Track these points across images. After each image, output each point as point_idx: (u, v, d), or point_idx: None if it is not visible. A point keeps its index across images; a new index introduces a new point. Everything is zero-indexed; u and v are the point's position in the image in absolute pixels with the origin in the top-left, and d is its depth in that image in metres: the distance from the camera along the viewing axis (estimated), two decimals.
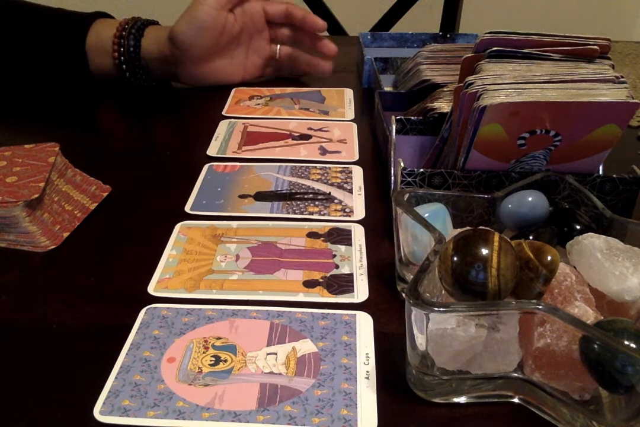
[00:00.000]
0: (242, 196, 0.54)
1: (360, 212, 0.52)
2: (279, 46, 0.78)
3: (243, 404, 0.35)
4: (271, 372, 0.37)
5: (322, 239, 0.49)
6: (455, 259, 0.33)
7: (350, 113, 0.71)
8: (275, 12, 0.73)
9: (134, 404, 0.35)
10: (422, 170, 0.47)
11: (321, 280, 0.44)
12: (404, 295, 0.41)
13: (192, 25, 0.68)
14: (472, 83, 0.45)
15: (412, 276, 0.35)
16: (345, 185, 0.56)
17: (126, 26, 0.70)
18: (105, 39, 0.70)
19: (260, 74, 0.79)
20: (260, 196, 0.54)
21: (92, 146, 0.64)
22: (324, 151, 0.62)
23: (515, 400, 0.35)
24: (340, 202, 0.54)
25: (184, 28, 0.68)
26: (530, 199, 0.41)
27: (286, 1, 0.75)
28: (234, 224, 0.51)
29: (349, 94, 0.76)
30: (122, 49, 0.70)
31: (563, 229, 0.40)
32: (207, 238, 0.49)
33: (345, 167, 0.59)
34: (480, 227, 0.40)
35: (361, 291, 0.43)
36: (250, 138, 0.65)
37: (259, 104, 0.73)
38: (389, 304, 0.42)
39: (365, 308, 0.42)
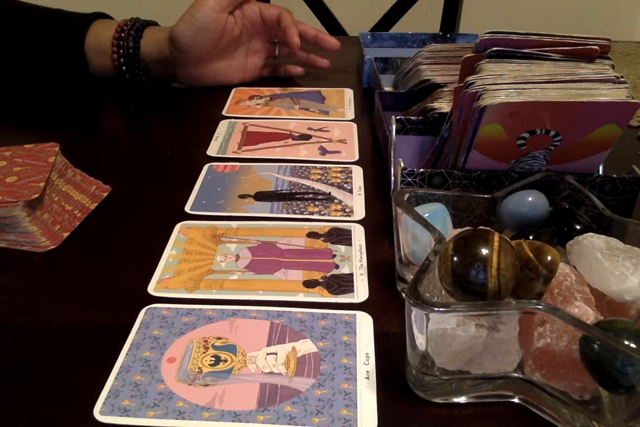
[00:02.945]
0: (242, 196, 0.54)
1: (360, 212, 0.52)
2: (277, 48, 0.79)
3: (243, 404, 0.35)
4: (271, 372, 0.37)
5: (322, 239, 0.49)
6: (455, 259, 0.33)
7: (350, 113, 0.71)
8: (270, 17, 0.74)
9: (134, 404, 0.35)
10: (422, 170, 0.47)
11: (321, 280, 0.44)
12: (404, 295, 0.41)
13: (192, 27, 0.68)
14: (472, 83, 0.45)
15: (412, 276, 0.35)
16: (345, 185, 0.56)
17: (125, 27, 0.70)
18: (105, 40, 0.70)
19: (259, 75, 0.79)
20: (260, 196, 0.54)
21: (92, 146, 0.64)
22: (324, 151, 0.62)
23: (515, 400, 0.35)
24: (340, 202, 0.54)
25: (184, 29, 0.68)
26: (530, 199, 0.41)
27: (281, 7, 0.75)
28: (234, 224, 0.51)
29: (349, 94, 0.76)
30: (121, 51, 0.70)
31: (563, 229, 0.40)
32: (207, 238, 0.49)
33: (345, 167, 0.59)
34: (480, 227, 0.40)
35: (361, 291, 0.43)
36: (250, 138, 0.65)
37: (259, 104, 0.73)
38: (389, 304, 0.42)
39: (365, 308, 0.42)
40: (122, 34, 0.70)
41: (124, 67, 0.71)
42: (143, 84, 0.73)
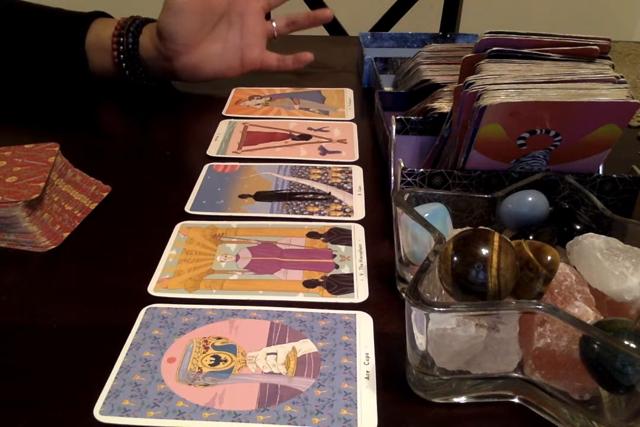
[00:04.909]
0: (242, 196, 0.54)
1: (360, 212, 0.52)
2: (274, 24, 0.76)
3: (243, 404, 0.35)
4: (271, 372, 0.37)
5: (322, 239, 0.49)
6: (455, 259, 0.33)
7: (350, 113, 0.71)
8: None
9: (134, 404, 0.35)
10: (422, 170, 0.47)
11: (321, 280, 0.44)
12: (404, 295, 0.41)
13: (170, 13, 0.67)
14: (472, 83, 0.45)
15: (412, 276, 0.35)
16: (345, 185, 0.56)
17: (125, 25, 0.70)
18: (105, 38, 0.70)
19: (260, 58, 0.75)
20: (260, 196, 0.54)
21: (92, 146, 0.64)
22: (324, 151, 0.62)
23: (515, 400, 0.35)
24: (340, 202, 0.54)
25: (165, 18, 0.68)
26: (530, 199, 0.41)
27: None
28: (234, 224, 0.51)
29: (349, 94, 0.76)
30: (121, 48, 0.70)
31: (563, 229, 0.40)
32: (207, 238, 0.49)
33: (345, 167, 0.59)
34: (480, 227, 0.40)
35: (361, 291, 0.43)
36: (250, 138, 0.65)
37: (259, 104, 0.73)
38: (389, 304, 0.42)
39: (365, 308, 0.42)
40: (122, 31, 0.70)
41: (123, 64, 0.71)
42: (143, 81, 0.73)
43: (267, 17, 0.77)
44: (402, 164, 0.48)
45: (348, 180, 0.57)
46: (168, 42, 0.69)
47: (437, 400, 0.35)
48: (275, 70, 0.76)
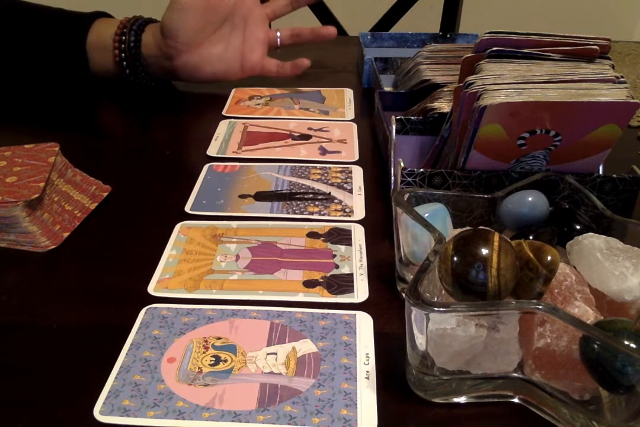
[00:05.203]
0: (242, 196, 0.54)
1: (360, 212, 0.52)
2: (278, 33, 0.77)
3: (243, 404, 0.35)
4: (271, 372, 0.37)
5: (322, 239, 0.49)
6: (455, 259, 0.33)
7: (350, 113, 0.71)
8: None
9: (134, 404, 0.35)
10: (422, 170, 0.47)
11: (321, 280, 0.44)
12: (404, 295, 0.41)
13: (174, 10, 0.68)
14: (472, 83, 0.45)
15: (412, 276, 0.35)
16: (345, 185, 0.56)
17: (127, 24, 0.71)
18: (106, 37, 0.70)
19: (260, 63, 0.75)
20: (260, 196, 0.54)
21: (92, 146, 0.64)
22: (324, 151, 0.62)
23: (515, 400, 0.35)
24: (340, 202, 0.54)
25: (169, 15, 0.68)
26: (530, 199, 0.41)
27: None
28: (234, 224, 0.51)
29: (349, 94, 0.76)
30: (123, 46, 0.70)
31: (563, 229, 0.40)
32: (207, 238, 0.49)
33: (345, 167, 0.59)
34: (480, 227, 0.40)
35: (361, 291, 0.43)
36: (250, 138, 0.65)
37: (259, 104, 0.73)
38: (389, 304, 0.42)
39: (365, 308, 0.42)
40: (125, 30, 0.70)
41: (124, 62, 0.71)
42: (143, 80, 0.73)
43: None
44: (402, 164, 0.48)
45: (348, 180, 0.57)
46: (170, 39, 0.69)
47: (437, 400, 0.35)
48: (275, 76, 0.76)
